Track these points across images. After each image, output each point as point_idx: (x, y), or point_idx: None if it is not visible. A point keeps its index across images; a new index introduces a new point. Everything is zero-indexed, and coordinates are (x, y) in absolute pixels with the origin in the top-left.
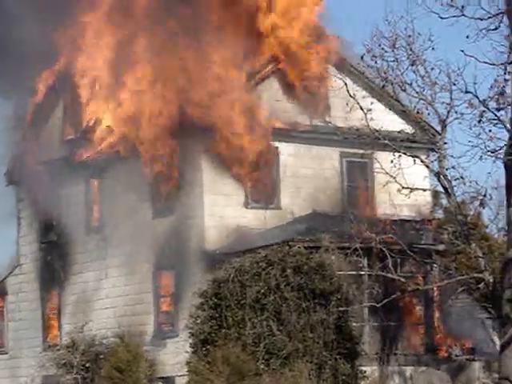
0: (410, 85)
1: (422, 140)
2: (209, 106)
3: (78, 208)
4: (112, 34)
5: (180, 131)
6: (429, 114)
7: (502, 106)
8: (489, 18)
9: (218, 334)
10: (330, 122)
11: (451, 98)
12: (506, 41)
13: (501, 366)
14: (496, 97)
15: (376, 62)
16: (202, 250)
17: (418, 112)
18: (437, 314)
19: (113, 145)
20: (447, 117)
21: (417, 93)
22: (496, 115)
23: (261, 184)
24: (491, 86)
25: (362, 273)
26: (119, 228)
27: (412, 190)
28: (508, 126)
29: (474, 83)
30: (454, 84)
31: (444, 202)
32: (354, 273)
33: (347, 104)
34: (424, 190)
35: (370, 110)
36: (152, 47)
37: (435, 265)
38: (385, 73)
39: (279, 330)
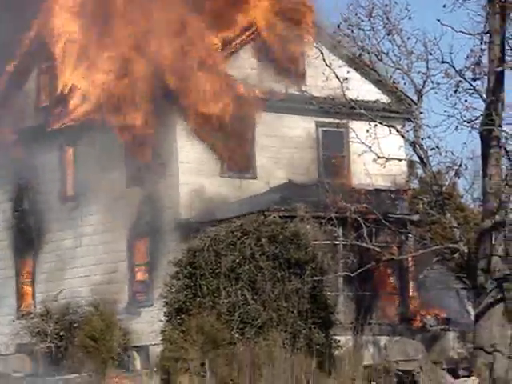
0: (387, 54)
1: (398, 110)
2: (184, 74)
3: (52, 176)
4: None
5: (155, 99)
6: (405, 83)
7: (478, 76)
8: None
9: (192, 302)
10: (305, 91)
11: (427, 68)
12: (482, 10)
13: (475, 336)
14: (472, 67)
15: (352, 31)
16: (177, 219)
17: (394, 82)
18: (411, 284)
19: (87, 112)
20: (423, 86)
21: (393, 62)
22: (472, 85)
23: (236, 153)
24: (467, 56)
25: (337, 242)
26: (93, 196)
27: (387, 159)
28: (484, 96)
29: (451, 53)
30: (431, 54)
31: (419, 171)
32: (328, 242)
33: (323, 73)
34: (399, 160)
35: (346, 79)
36: (128, 13)
37: (410, 235)
38: (361, 42)
39: (254, 299)
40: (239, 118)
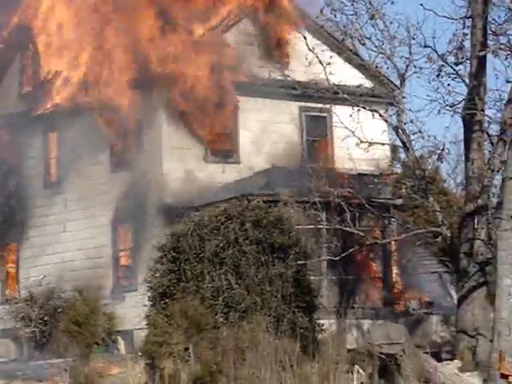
0: (370, 39)
1: (381, 94)
2: (169, 58)
3: (36, 162)
4: None
5: (139, 84)
6: (388, 68)
7: (460, 60)
8: None
9: (176, 287)
10: (288, 76)
11: (410, 53)
12: None
13: (458, 320)
14: (455, 51)
15: (335, 16)
16: (161, 204)
17: (376, 66)
18: (395, 268)
19: (71, 98)
20: (406, 71)
21: (376, 47)
22: (454, 69)
23: (220, 138)
24: (450, 41)
25: (321, 227)
26: (77, 181)
27: (370, 144)
28: (466, 80)
29: (433, 37)
30: (413, 38)
31: (402, 156)
32: (312, 227)
33: (306, 58)
34: (382, 145)
35: (329, 63)
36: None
37: (393, 219)
38: (344, 27)
39: (238, 283)
40: (223, 103)
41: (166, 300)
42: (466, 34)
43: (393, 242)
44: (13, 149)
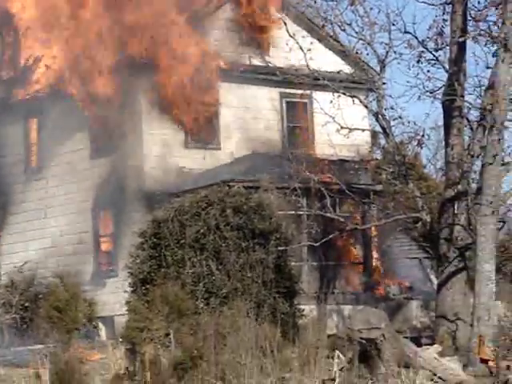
0: (350, 25)
1: (361, 80)
2: (150, 45)
3: (16, 148)
4: None
5: (120, 70)
6: (368, 54)
7: (440, 46)
8: None
9: (157, 273)
10: (269, 62)
11: (390, 39)
12: None
13: (438, 305)
14: (434, 37)
15: (315, 2)
16: (142, 190)
17: (357, 52)
18: (375, 254)
19: (52, 84)
20: (386, 57)
21: (356, 33)
22: (434, 55)
23: (200, 124)
24: (430, 27)
25: (301, 212)
26: (58, 167)
27: (351, 130)
28: (446, 66)
29: (413, 23)
30: (393, 24)
31: (382, 142)
32: (293, 212)
33: (287, 44)
34: (363, 130)
35: (309, 50)
36: None
37: (373, 205)
38: (324, 13)
39: (218, 269)
40: (203, 89)
41: (147, 286)
42: (446, 20)
43: (373, 228)
44: None
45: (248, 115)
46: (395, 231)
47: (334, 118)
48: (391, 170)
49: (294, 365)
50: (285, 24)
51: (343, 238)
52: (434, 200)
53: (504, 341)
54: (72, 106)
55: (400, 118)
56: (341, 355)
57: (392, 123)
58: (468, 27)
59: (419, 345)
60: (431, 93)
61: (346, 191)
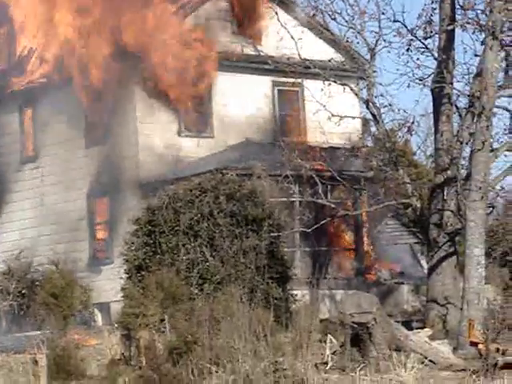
0: (340, 14)
1: (352, 69)
2: (143, 34)
3: (11, 138)
4: None
5: (114, 59)
6: (358, 42)
7: (429, 34)
8: None
9: (152, 260)
10: (261, 51)
11: (380, 27)
12: None
13: (428, 289)
14: (424, 26)
15: None
16: (136, 178)
17: (347, 41)
18: (366, 239)
19: (47, 73)
20: (376, 45)
21: (346, 22)
22: (423, 44)
23: (194, 112)
24: (419, 15)
25: (293, 199)
26: (54, 157)
27: (342, 117)
28: (435, 54)
29: (403, 12)
30: (383, 13)
31: (373, 129)
32: (285, 199)
33: (278, 33)
34: (353, 118)
35: (300, 39)
36: None
37: (364, 191)
38: (315, 2)
39: (212, 255)
40: (196, 77)
41: (142, 272)
42: (435, 9)
43: (364, 214)
44: None
45: (241, 104)
46: (386, 217)
47: (325, 105)
48: (382, 157)
49: (286, 349)
50: (276, 13)
51: (335, 224)
52: (424, 186)
53: (493, 324)
54: (67, 95)
55: (390, 105)
56: (333, 339)
57: (382, 111)
58: (456, 16)
59: (410, 328)
60: (421, 80)
61: (338, 178)
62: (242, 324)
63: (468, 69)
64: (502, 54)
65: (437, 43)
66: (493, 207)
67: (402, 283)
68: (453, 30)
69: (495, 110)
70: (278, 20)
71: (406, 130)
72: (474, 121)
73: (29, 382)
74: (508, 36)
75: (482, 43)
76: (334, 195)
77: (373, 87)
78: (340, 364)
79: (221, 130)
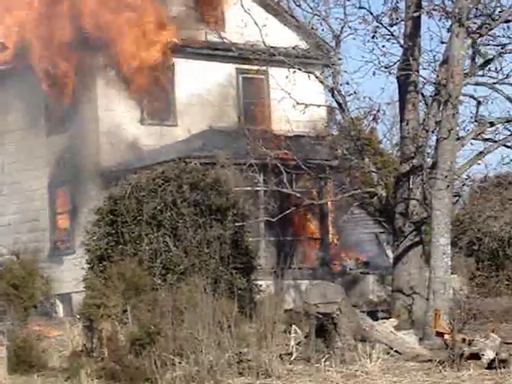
0: (305, 0)
1: (317, 56)
2: (105, 20)
3: None
4: None
5: (75, 46)
6: (323, 29)
7: (395, 21)
8: None
9: (114, 250)
10: (225, 38)
11: (345, 14)
12: None
13: (394, 279)
14: (389, 12)
15: None
16: (98, 167)
17: (312, 28)
18: (331, 229)
19: (7, 60)
20: (341, 32)
21: (311, 8)
22: (389, 31)
23: (156, 100)
24: (385, 2)
25: (258, 188)
26: (14, 145)
27: (307, 105)
28: (401, 41)
29: None
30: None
31: (338, 117)
32: (249, 188)
33: (242, 20)
34: (318, 106)
35: (264, 25)
36: None
37: (329, 180)
38: None
39: (176, 245)
40: (159, 64)
41: (104, 263)
42: None
43: (329, 203)
44: None
45: (204, 91)
46: (351, 206)
47: (289, 93)
48: (347, 146)
49: (251, 340)
50: None
51: (300, 214)
52: (390, 175)
53: (459, 314)
54: (27, 83)
55: (355, 93)
56: (298, 330)
57: (348, 99)
58: (422, 2)
59: (375, 319)
60: (386, 68)
61: (303, 167)
62: (205, 315)
63: (434, 56)
64: (469, 41)
65: (403, 30)
66: (459, 196)
67: (368, 273)
68: (419, 17)
69: (462, 97)
70: (242, 6)
71: (371, 118)
72: (440, 109)
73: None
74: (474, 23)
75: (449, 30)
76: (299, 184)
77: (338, 75)
78: (305, 355)
79: (184, 118)
